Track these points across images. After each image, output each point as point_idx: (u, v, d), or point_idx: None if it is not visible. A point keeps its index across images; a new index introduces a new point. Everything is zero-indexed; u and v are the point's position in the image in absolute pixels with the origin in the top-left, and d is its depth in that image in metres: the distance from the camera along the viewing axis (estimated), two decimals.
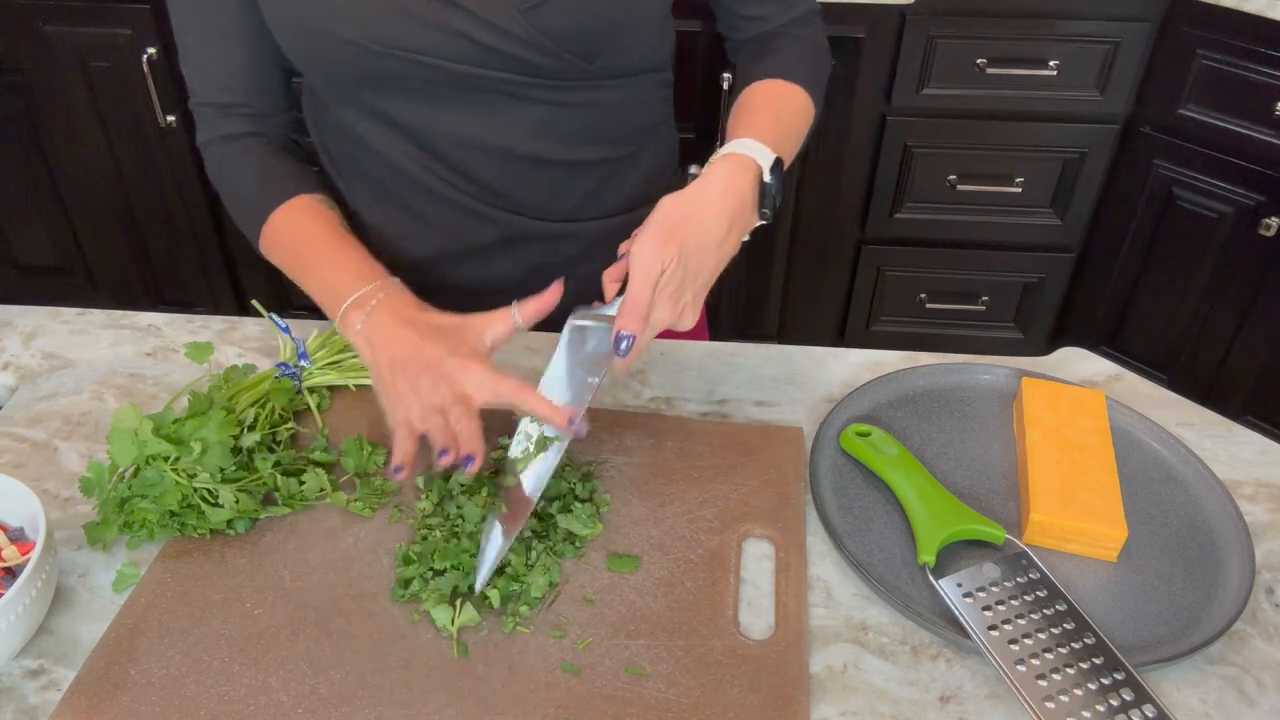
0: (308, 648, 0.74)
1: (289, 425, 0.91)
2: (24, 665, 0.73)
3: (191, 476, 0.80)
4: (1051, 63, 1.90)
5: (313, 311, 0.94)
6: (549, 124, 0.96)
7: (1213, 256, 1.95)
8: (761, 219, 0.87)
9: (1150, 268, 2.05)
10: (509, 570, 0.78)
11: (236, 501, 0.81)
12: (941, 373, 0.98)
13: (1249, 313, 1.95)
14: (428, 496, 0.84)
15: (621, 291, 0.82)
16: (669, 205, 0.81)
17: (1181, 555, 0.81)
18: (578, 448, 0.90)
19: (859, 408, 0.94)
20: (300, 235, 0.93)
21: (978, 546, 0.81)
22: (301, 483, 0.85)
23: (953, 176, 2.05)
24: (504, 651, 0.73)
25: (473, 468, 0.79)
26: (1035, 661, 0.70)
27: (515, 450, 0.83)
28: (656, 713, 0.69)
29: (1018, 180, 2.04)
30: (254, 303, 1.03)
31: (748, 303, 2.25)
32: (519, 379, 0.79)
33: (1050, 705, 0.67)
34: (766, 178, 0.85)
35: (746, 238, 0.86)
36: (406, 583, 0.78)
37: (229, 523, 0.81)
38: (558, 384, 0.82)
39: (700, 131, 2.00)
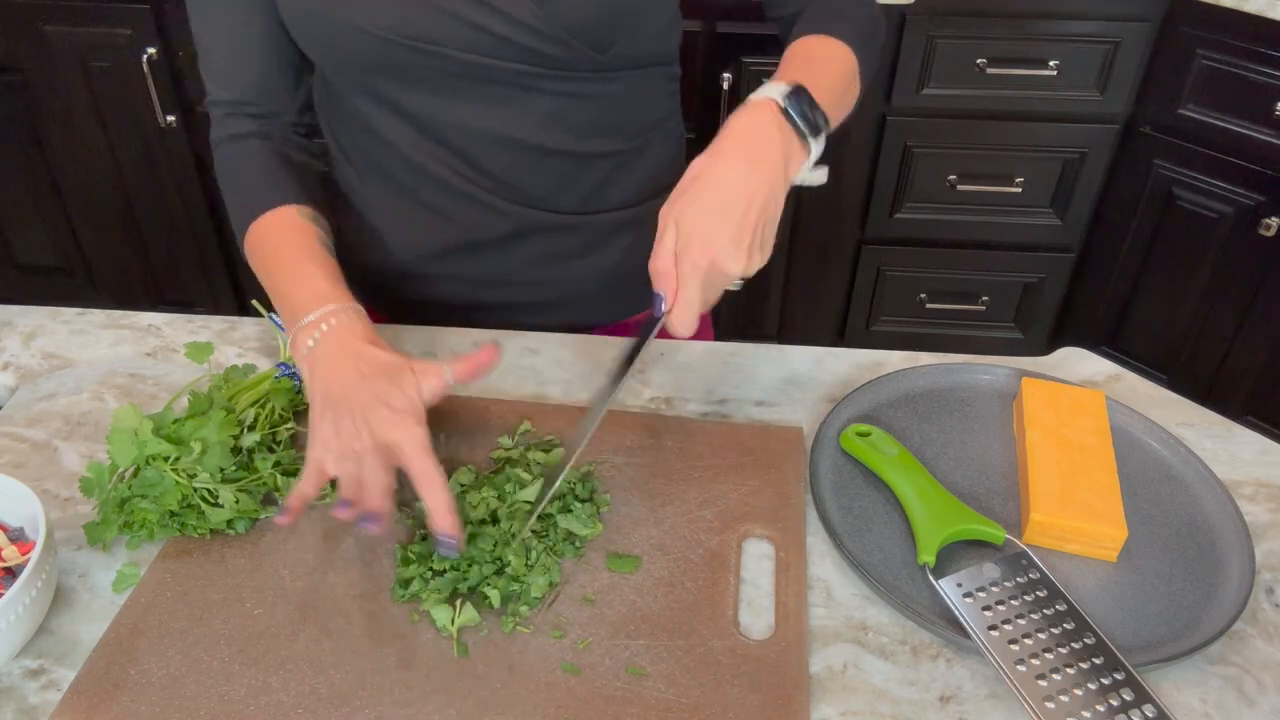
0: (308, 648, 0.74)
1: (289, 425, 0.91)
2: (24, 665, 0.73)
3: (191, 476, 0.80)
4: (1051, 63, 1.90)
5: None
6: (559, 115, 0.96)
7: (1213, 256, 1.95)
8: (808, 142, 0.82)
9: (1150, 268, 2.06)
10: (509, 570, 0.78)
11: (236, 501, 0.81)
12: (941, 373, 0.98)
13: (1249, 313, 1.95)
14: None
15: None
16: (688, 170, 0.80)
17: (1181, 555, 0.81)
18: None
19: (859, 408, 0.94)
20: (272, 247, 0.92)
21: (978, 546, 0.81)
22: None
23: (953, 176, 2.05)
24: (504, 651, 0.73)
25: (373, 528, 0.76)
26: (1035, 661, 0.70)
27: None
28: (656, 713, 0.69)
29: (1018, 180, 2.05)
30: (254, 303, 1.03)
31: (748, 303, 2.25)
32: (434, 464, 0.76)
33: (1050, 705, 0.67)
34: (781, 102, 0.81)
35: (812, 170, 0.84)
36: (406, 583, 0.78)
37: (229, 523, 0.81)
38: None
39: (700, 131, 2.00)
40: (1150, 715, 0.67)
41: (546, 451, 0.88)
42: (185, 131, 2.10)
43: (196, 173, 2.16)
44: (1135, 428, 0.91)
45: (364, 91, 0.96)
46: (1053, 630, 0.72)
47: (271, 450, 0.87)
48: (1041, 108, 1.96)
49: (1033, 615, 0.73)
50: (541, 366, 1.00)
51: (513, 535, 0.80)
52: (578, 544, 0.81)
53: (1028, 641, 0.71)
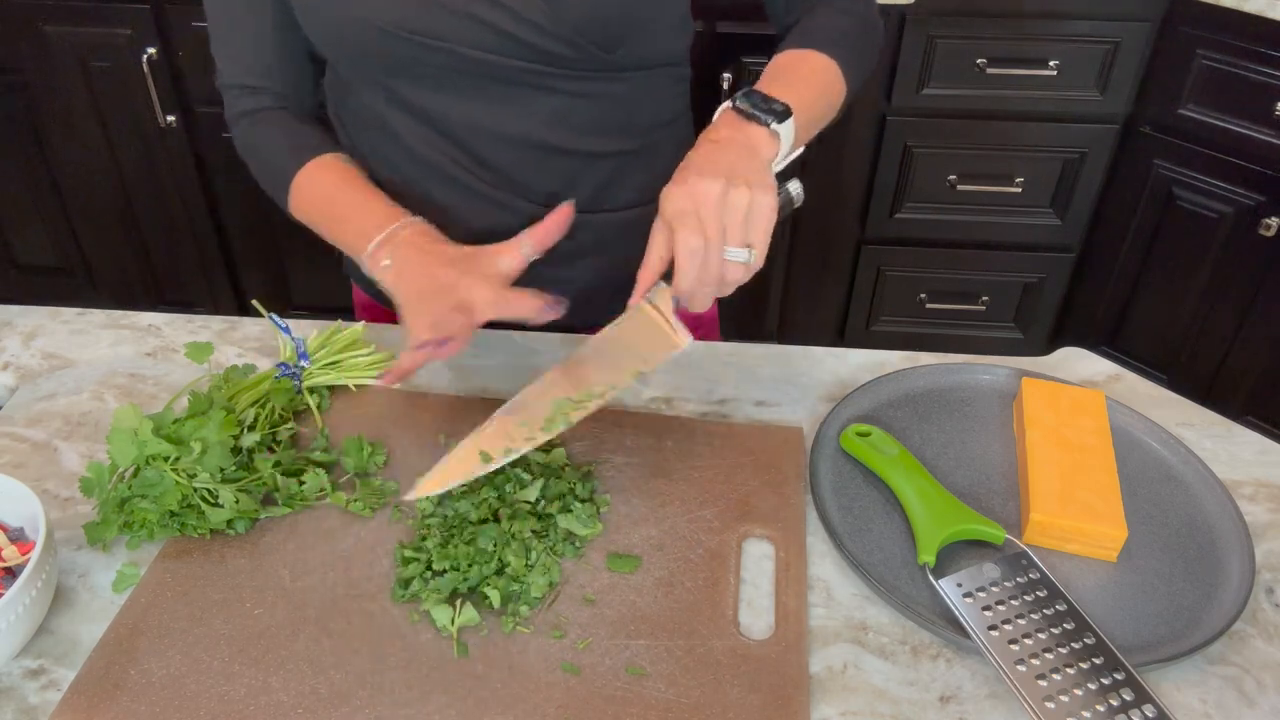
0: (308, 648, 0.74)
1: (289, 425, 0.91)
2: (24, 665, 0.73)
3: (191, 476, 0.80)
4: (1051, 63, 1.90)
5: (313, 311, 0.94)
6: (566, 114, 0.97)
7: (1213, 256, 1.95)
8: (771, 127, 0.83)
9: (1150, 268, 2.05)
10: (509, 570, 0.78)
11: (236, 501, 0.81)
12: (941, 373, 0.98)
13: (1249, 313, 1.95)
14: (428, 496, 0.84)
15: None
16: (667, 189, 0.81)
17: (1181, 555, 0.81)
18: (578, 448, 0.90)
19: (859, 408, 0.94)
20: (327, 188, 0.96)
21: (978, 546, 0.81)
22: (301, 483, 0.85)
23: (953, 176, 2.05)
24: (504, 651, 0.73)
25: (444, 350, 0.85)
26: (1035, 661, 0.70)
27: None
28: (656, 713, 0.69)
29: (1018, 180, 2.04)
30: (254, 303, 1.03)
31: (748, 303, 2.25)
32: (510, 296, 0.84)
33: (1050, 705, 0.67)
34: (732, 104, 0.84)
35: (790, 182, 0.85)
36: (406, 583, 0.78)
37: (229, 523, 0.81)
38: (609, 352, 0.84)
39: (699, 131, 2.00)
40: (1150, 715, 0.67)
41: (546, 451, 0.88)
42: (185, 131, 2.10)
43: (196, 173, 2.16)
44: (1135, 428, 0.91)
45: (373, 86, 0.97)
46: (1053, 630, 0.72)
47: (271, 450, 0.87)
48: (1041, 108, 1.96)
49: (1033, 615, 0.73)
50: (543, 366, 1.00)
51: (513, 535, 0.80)
52: (578, 544, 0.81)
53: (1028, 641, 0.71)
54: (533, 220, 1.02)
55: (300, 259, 2.28)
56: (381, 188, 1.04)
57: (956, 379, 0.98)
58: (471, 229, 1.03)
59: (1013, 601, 0.74)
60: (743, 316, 2.28)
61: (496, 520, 0.81)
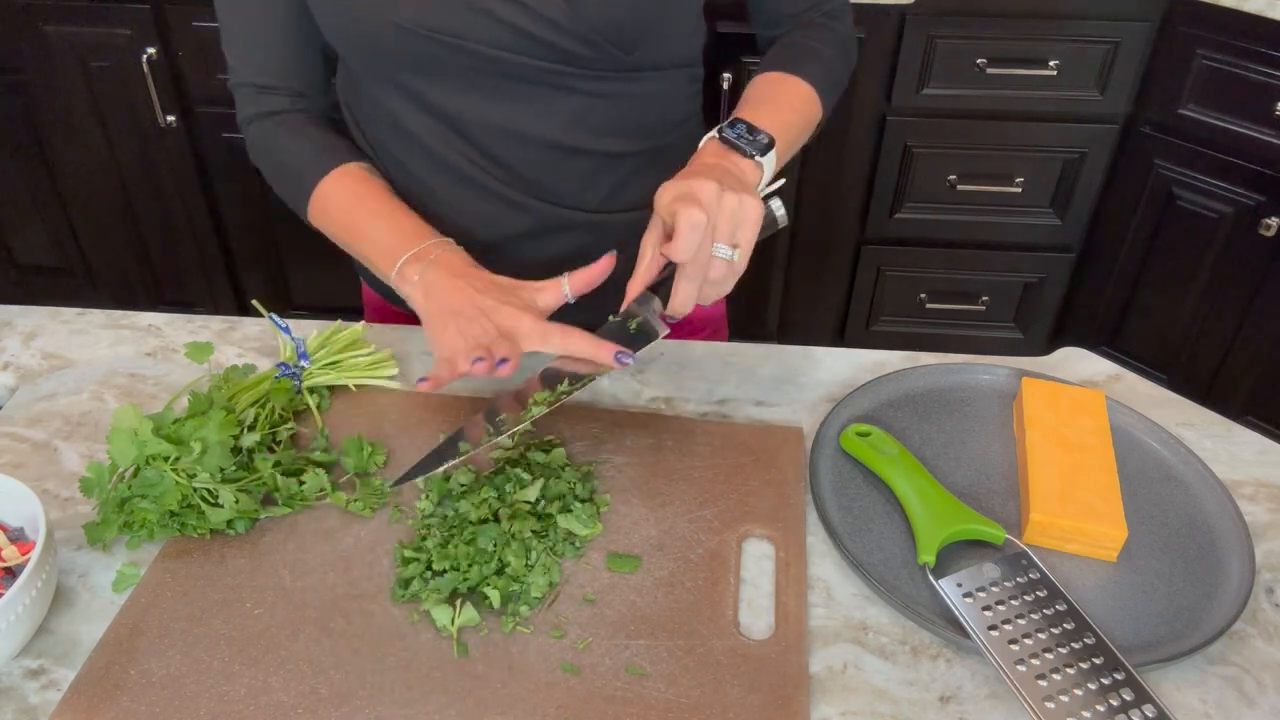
0: (308, 648, 0.74)
1: (289, 425, 0.91)
2: (24, 665, 0.73)
3: (191, 476, 0.80)
4: (1051, 63, 1.90)
5: (313, 311, 0.94)
6: (583, 114, 0.97)
7: (1213, 256, 1.95)
8: (755, 158, 0.87)
9: (1150, 268, 2.06)
10: (509, 570, 0.78)
11: (236, 501, 0.81)
12: (941, 373, 0.98)
13: (1249, 313, 1.95)
14: (428, 497, 0.84)
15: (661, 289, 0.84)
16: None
17: (1181, 555, 0.81)
18: (578, 448, 0.90)
19: (859, 408, 0.94)
20: (353, 200, 0.96)
21: (978, 546, 0.81)
22: (301, 483, 0.85)
23: (953, 176, 2.05)
24: (504, 651, 0.73)
25: (505, 369, 0.81)
26: (1035, 661, 0.70)
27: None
28: (656, 713, 0.69)
29: (1018, 180, 2.05)
30: (254, 303, 1.03)
31: (748, 303, 2.25)
32: (568, 327, 0.83)
33: (1050, 705, 0.67)
34: (718, 134, 0.88)
35: (774, 203, 0.86)
36: (406, 583, 0.78)
37: (229, 523, 0.81)
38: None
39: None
40: (1150, 715, 0.67)
41: (547, 452, 0.88)
42: (185, 131, 2.10)
43: (196, 173, 2.16)
44: (1135, 428, 0.91)
45: (388, 84, 0.96)
46: (1053, 630, 0.72)
47: (271, 450, 0.87)
48: (1041, 108, 1.96)
49: (1033, 615, 0.73)
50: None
51: (513, 535, 0.80)
52: (578, 544, 0.81)
53: (1028, 641, 0.71)
54: (545, 221, 1.02)
55: (300, 259, 2.28)
56: (393, 185, 1.04)
57: (956, 379, 0.98)
58: (484, 228, 1.03)
59: (1013, 601, 0.74)
60: (743, 317, 2.28)
61: (496, 520, 0.81)
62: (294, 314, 1.03)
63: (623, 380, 0.99)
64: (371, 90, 0.99)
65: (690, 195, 0.78)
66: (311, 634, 0.75)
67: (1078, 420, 0.88)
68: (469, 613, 0.74)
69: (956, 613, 0.73)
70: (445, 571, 0.78)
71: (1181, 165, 1.93)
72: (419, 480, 0.86)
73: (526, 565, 0.78)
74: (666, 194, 0.80)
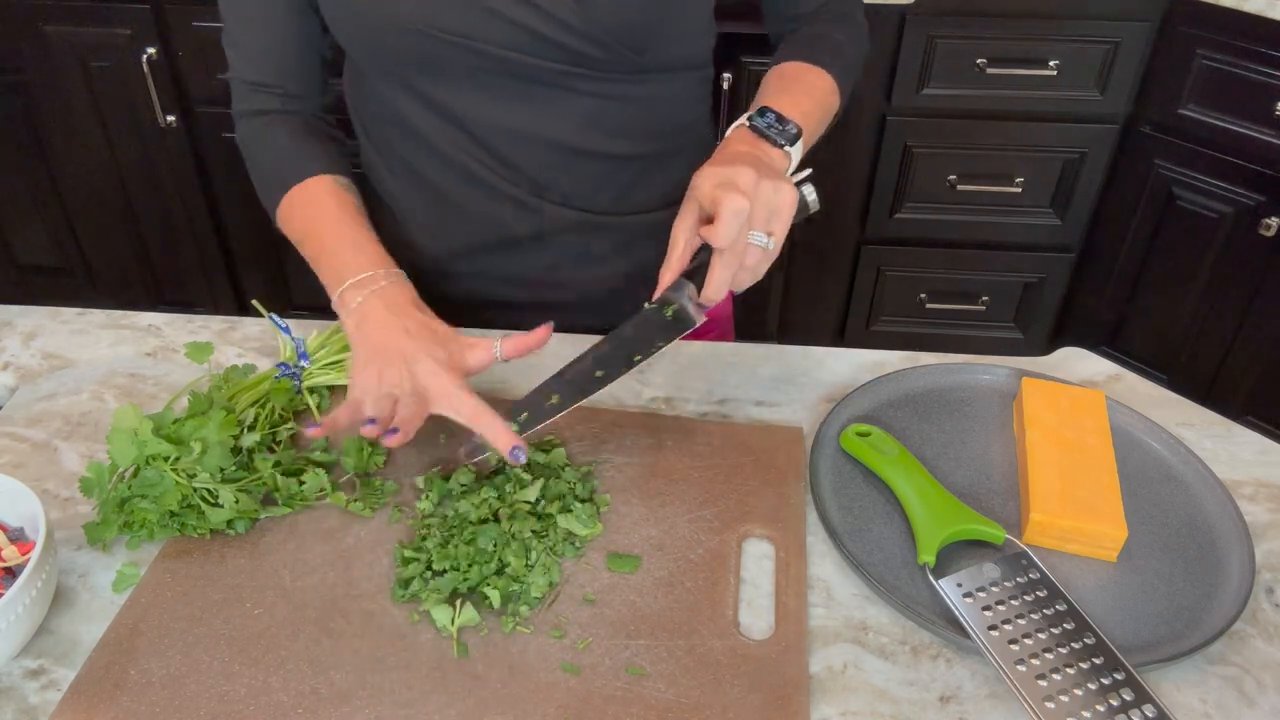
0: (308, 648, 0.74)
1: (289, 425, 0.91)
2: (24, 665, 0.73)
3: (191, 476, 0.80)
4: (1051, 63, 1.90)
5: (313, 311, 0.94)
6: (594, 116, 0.97)
7: (1213, 256, 1.95)
8: (784, 148, 0.88)
9: (1150, 268, 2.06)
10: (509, 570, 0.78)
11: (236, 501, 0.81)
12: (941, 373, 0.98)
13: (1249, 313, 1.95)
14: (428, 497, 0.84)
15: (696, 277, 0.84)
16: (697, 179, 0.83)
17: (1181, 555, 0.81)
18: (578, 448, 0.90)
19: (859, 408, 0.94)
20: (317, 212, 0.95)
21: (978, 546, 0.81)
22: (301, 483, 0.85)
23: (953, 176, 2.05)
24: (504, 651, 0.73)
25: (394, 438, 0.81)
26: (1035, 661, 0.70)
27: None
28: (656, 713, 0.69)
29: (1018, 180, 2.05)
30: (254, 303, 1.03)
31: (748, 303, 2.25)
32: (480, 401, 0.81)
33: (1050, 705, 0.67)
34: (747, 121, 0.89)
35: (805, 188, 0.86)
36: (406, 583, 0.78)
37: (229, 523, 0.81)
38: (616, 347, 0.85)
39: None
40: (1150, 715, 0.67)
41: (547, 452, 0.88)
42: (185, 131, 2.10)
43: (196, 173, 2.16)
44: (1135, 428, 0.91)
45: (397, 84, 0.96)
46: (1053, 630, 0.72)
47: (271, 450, 0.87)
48: (1041, 108, 1.96)
49: (1033, 615, 0.73)
50: (547, 366, 1.00)
51: (513, 535, 0.80)
52: (578, 544, 0.81)
53: (1028, 641, 0.71)
54: (553, 222, 1.02)
55: (300, 259, 2.25)
56: (397, 184, 1.04)
57: (956, 379, 0.98)
58: (492, 228, 1.03)
59: (1013, 601, 0.74)
60: (743, 316, 2.27)
61: (496, 520, 0.81)
62: (294, 314, 1.03)
63: (623, 380, 0.99)
64: (379, 90, 0.98)
65: (731, 182, 0.78)
66: (311, 634, 0.75)
67: (1078, 420, 0.88)
68: (469, 613, 0.74)
69: (956, 613, 0.73)
70: (445, 571, 0.78)
71: (1181, 165, 1.93)
72: (419, 480, 0.86)
73: (526, 565, 0.78)
74: (706, 181, 0.80)
